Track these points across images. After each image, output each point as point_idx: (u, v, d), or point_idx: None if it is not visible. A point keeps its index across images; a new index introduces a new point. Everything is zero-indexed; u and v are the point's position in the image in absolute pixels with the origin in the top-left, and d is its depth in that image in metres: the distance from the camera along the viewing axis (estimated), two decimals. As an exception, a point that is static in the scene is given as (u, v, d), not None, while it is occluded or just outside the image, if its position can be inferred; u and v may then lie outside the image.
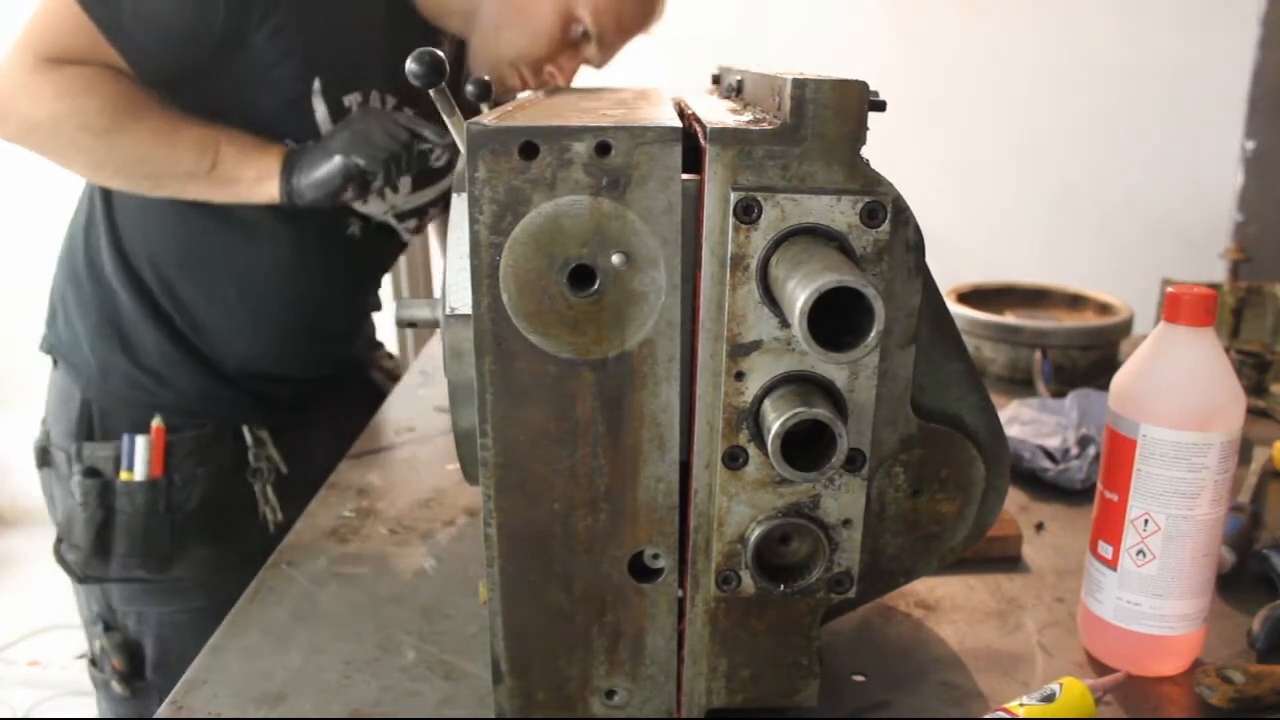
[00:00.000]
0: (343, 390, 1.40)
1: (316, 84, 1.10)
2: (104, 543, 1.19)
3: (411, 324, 0.70)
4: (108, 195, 1.19)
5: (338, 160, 1.04)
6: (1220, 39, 2.41)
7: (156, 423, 1.19)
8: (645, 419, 0.57)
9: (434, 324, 0.68)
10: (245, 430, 1.24)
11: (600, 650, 0.62)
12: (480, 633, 0.77)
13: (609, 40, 1.17)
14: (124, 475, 1.19)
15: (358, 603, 0.82)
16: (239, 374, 1.24)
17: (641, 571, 0.61)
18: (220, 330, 1.21)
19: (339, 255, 1.25)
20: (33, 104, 1.03)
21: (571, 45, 1.16)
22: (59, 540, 1.22)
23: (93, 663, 1.29)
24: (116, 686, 1.25)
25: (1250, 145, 2.43)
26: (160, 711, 0.68)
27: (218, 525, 1.18)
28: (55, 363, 1.25)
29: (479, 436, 0.57)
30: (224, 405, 1.24)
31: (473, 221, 0.53)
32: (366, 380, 1.46)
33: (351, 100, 1.13)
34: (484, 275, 0.54)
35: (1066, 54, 2.47)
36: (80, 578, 1.22)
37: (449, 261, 0.63)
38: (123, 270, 1.18)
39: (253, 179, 1.07)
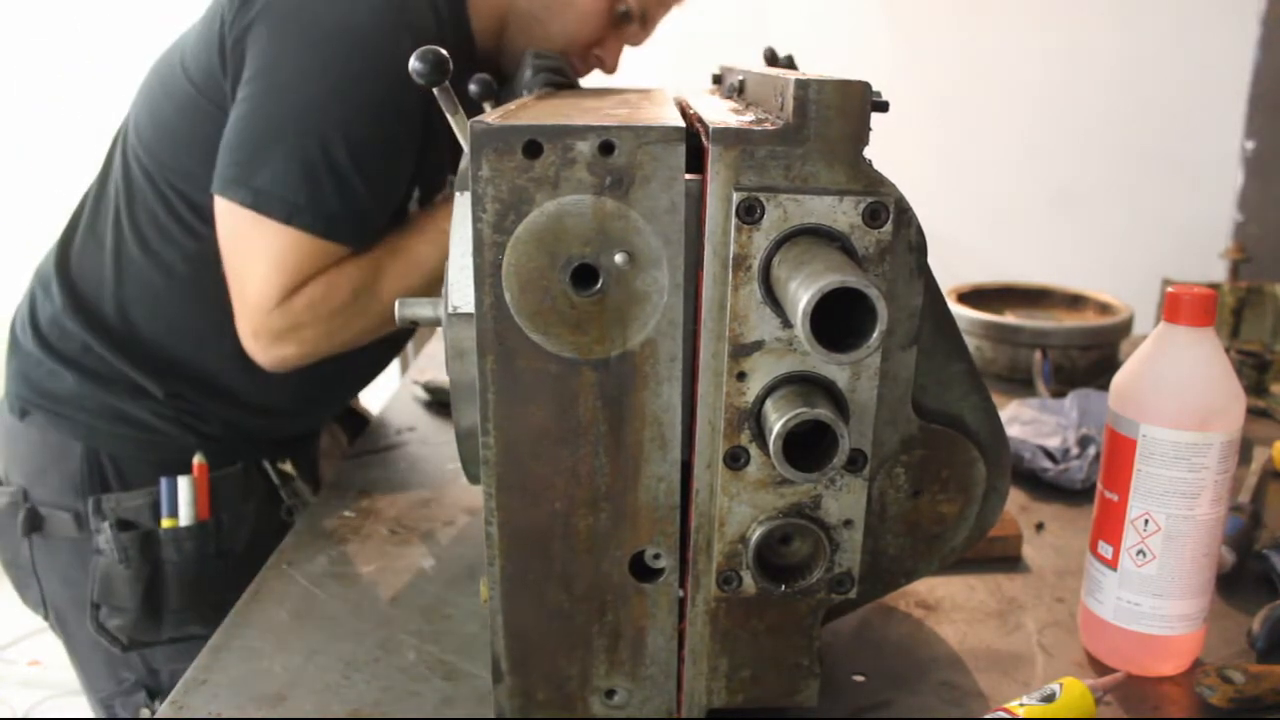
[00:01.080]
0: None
1: (416, 194, 1.06)
2: (154, 601, 1.08)
3: (413, 322, 0.69)
4: (119, 270, 1.08)
5: None
6: (1220, 39, 2.41)
7: (198, 460, 1.09)
8: (647, 419, 0.57)
9: (436, 323, 0.68)
10: (269, 467, 1.17)
11: (600, 650, 0.62)
12: (480, 632, 0.77)
13: (651, 14, 1.15)
14: (166, 522, 1.08)
15: (358, 603, 0.82)
16: (263, 426, 1.16)
17: (642, 571, 0.61)
18: (237, 392, 1.11)
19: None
20: (300, 335, 0.98)
21: (615, 26, 1.14)
22: (95, 607, 1.09)
23: None
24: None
25: (1250, 145, 2.43)
26: (160, 711, 0.68)
27: (262, 564, 1.08)
28: (25, 414, 1.11)
29: (480, 435, 0.57)
30: (247, 444, 1.15)
31: (476, 220, 0.53)
32: None
33: (441, 198, 1.10)
34: (487, 274, 0.54)
35: (1067, 54, 2.47)
36: (126, 645, 1.10)
37: (451, 260, 0.63)
38: (133, 346, 1.09)
39: None
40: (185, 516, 1.08)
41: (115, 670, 1.13)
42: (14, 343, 1.14)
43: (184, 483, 1.08)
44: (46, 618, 1.17)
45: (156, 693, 1.12)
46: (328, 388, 1.18)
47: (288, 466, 1.18)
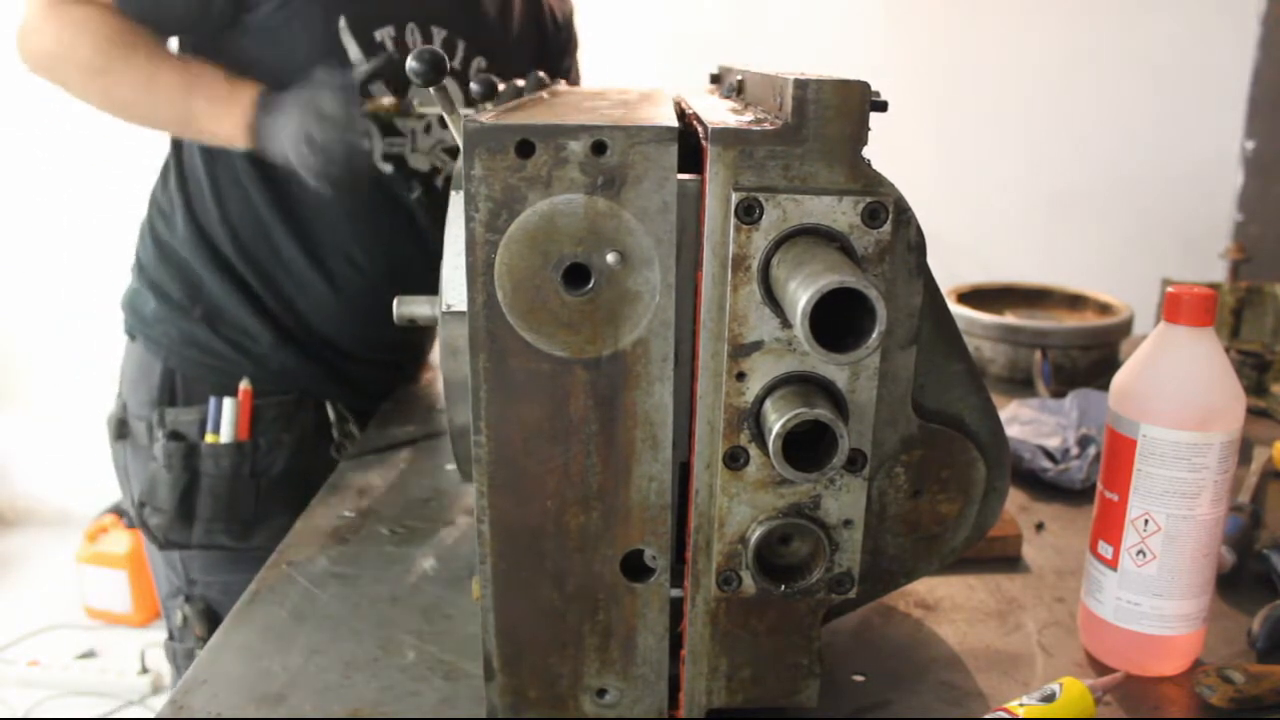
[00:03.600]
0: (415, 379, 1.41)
1: (342, 21, 1.10)
2: (188, 507, 1.20)
3: (411, 321, 0.69)
4: (180, 164, 1.21)
5: (294, 130, 1.04)
6: (1220, 39, 2.41)
7: (244, 385, 1.20)
8: (638, 418, 0.57)
9: (433, 321, 0.68)
10: (328, 405, 1.25)
11: (591, 649, 0.62)
12: (480, 633, 0.77)
13: None
14: (209, 438, 1.19)
15: (358, 603, 0.82)
16: (320, 348, 1.25)
17: (633, 571, 0.60)
18: (297, 299, 1.22)
19: (404, 224, 1.24)
20: (41, 40, 1.09)
21: None
22: (141, 505, 1.22)
23: (170, 637, 1.30)
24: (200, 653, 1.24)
25: (1250, 145, 2.43)
26: (160, 711, 0.68)
27: (299, 494, 1.12)
28: (133, 337, 1.26)
29: (473, 434, 0.57)
30: (306, 379, 1.25)
31: (468, 219, 0.53)
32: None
33: (384, 35, 1.13)
34: (479, 273, 0.54)
35: (1067, 54, 2.47)
36: (162, 543, 1.22)
37: (446, 258, 0.63)
38: (198, 239, 1.20)
39: (224, 136, 1.10)
40: (226, 435, 1.19)
41: (167, 575, 1.27)
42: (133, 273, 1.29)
43: (228, 404, 1.19)
44: (134, 521, 1.27)
45: (190, 598, 1.26)
46: (360, 310, 1.24)
47: (347, 413, 1.27)
